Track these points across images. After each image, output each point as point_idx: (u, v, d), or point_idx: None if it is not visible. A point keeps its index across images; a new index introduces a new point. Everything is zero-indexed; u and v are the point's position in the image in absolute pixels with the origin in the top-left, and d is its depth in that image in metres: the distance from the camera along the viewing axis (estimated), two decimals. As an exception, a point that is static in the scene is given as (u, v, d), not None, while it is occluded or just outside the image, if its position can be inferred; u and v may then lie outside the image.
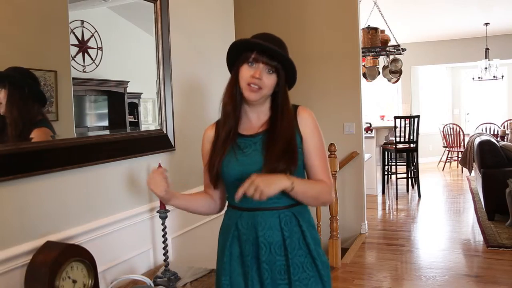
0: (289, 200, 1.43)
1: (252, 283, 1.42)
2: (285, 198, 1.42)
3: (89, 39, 1.75)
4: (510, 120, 9.10)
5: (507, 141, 6.72)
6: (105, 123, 1.91)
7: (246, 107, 1.47)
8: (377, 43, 5.59)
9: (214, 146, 1.49)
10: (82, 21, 1.72)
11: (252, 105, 1.46)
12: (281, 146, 1.39)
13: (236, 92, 1.44)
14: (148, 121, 2.16)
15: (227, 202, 1.56)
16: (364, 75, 5.93)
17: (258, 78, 1.38)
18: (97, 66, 1.79)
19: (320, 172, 1.47)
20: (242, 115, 1.48)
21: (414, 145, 6.24)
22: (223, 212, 1.60)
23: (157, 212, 1.91)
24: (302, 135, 1.45)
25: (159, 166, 1.88)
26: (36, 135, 1.52)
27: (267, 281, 1.40)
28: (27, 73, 1.49)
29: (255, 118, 1.48)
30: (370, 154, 6.09)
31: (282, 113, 1.44)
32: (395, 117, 6.32)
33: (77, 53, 1.69)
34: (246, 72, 1.40)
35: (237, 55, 1.44)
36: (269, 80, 1.40)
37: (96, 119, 1.87)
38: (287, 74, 1.44)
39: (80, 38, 1.71)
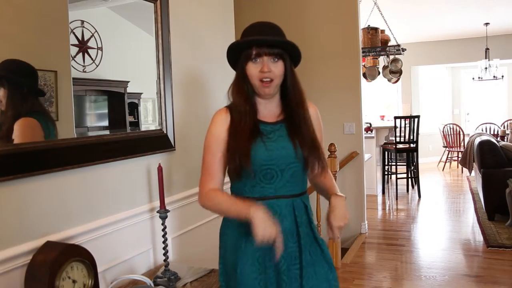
0: (300, 187, 1.48)
1: (269, 270, 1.43)
2: (299, 186, 1.47)
3: (89, 39, 1.75)
4: (510, 120, 9.10)
5: (507, 141, 6.72)
6: (105, 123, 1.91)
7: (259, 99, 1.48)
8: (377, 43, 5.58)
9: (234, 134, 1.43)
10: (82, 21, 1.72)
11: (265, 98, 1.47)
12: (309, 134, 1.45)
13: (248, 89, 1.45)
14: (148, 121, 2.16)
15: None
16: (364, 75, 5.93)
17: (268, 71, 1.39)
18: (97, 66, 1.79)
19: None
20: (257, 107, 1.49)
21: (414, 145, 6.24)
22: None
23: (157, 212, 1.91)
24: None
25: (159, 166, 1.89)
26: (20, 124, 1.47)
27: (283, 267, 1.42)
28: (24, 66, 1.47)
29: (270, 108, 1.50)
30: (370, 154, 6.09)
31: (296, 96, 1.47)
32: (395, 117, 6.32)
33: (77, 53, 1.69)
34: (253, 69, 1.41)
35: (237, 55, 1.45)
36: (277, 69, 1.41)
37: (96, 119, 1.87)
38: (290, 55, 1.45)
39: (80, 38, 1.71)
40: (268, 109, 1.49)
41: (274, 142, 1.43)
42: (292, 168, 1.43)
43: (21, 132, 1.48)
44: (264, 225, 1.29)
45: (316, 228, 1.55)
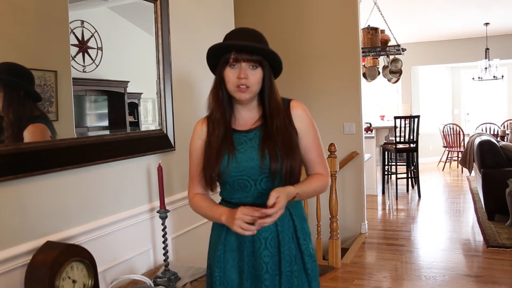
0: None
1: (246, 276, 1.44)
2: None
3: (89, 39, 1.75)
4: (510, 120, 9.09)
5: (507, 141, 6.72)
6: (105, 123, 1.91)
7: (238, 106, 1.46)
8: (377, 43, 5.58)
9: (207, 147, 1.46)
10: (82, 21, 1.72)
11: (243, 103, 1.44)
12: (282, 144, 1.39)
13: (223, 96, 1.42)
14: (148, 121, 2.16)
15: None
16: (364, 75, 5.93)
17: (244, 77, 1.35)
18: (97, 66, 1.79)
19: (317, 165, 1.51)
20: (234, 113, 1.47)
21: (414, 145, 6.24)
22: None
23: (157, 212, 1.91)
24: (297, 131, 1.46)
25: (159, 166, 1.89)
26: (31, 131, 1.49)
27: (266, 275, 1.42)
28: (21, 70, 1.46)
29: (248, 114, 1.47)
30: (370, 154, 6.09)
31: (271, 107, 1.42)
32: (395, 117, 6.32)
33: (77, 53, 1.69)
34: (230, 75, 1.37)
35: (216, 59, 1.41)
36: (255, 77, 1.37)
37: (96, 119, 1.87)
38: (270, 64, 1.42)
39: (80, 38, 1.71)
40: (245, 116, 1.47)
41: (243, 154, 1.41)
42: (265, 178, 1.41)
43: (35, 138, 1.50)
44: (240, 229, 1.31)
45: (306, 235, 1.50)
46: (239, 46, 1.35)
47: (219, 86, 1.42)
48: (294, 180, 1.43)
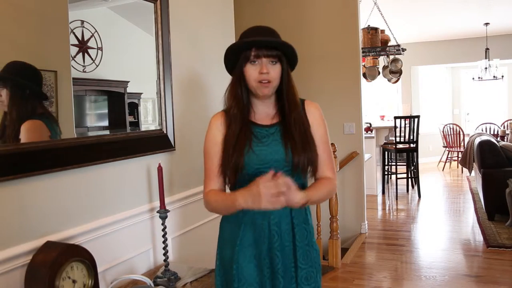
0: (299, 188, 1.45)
1: (264, 271, 1.44)
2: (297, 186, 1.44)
3: (89, 39, 1.75)
4: (510, 120, 9.09)
5: (507, 141, 6.72)
6: (105, 123, 1.91)
7: (256, 101, 1.49)
8: (377, 43, 5.58)
9: (228, 140, 1.46)
10: (82, 21, 1.72)
11: (263, 98, 1.47)
12: (300, 137, 1.44)
13: (242, 93, 1.46)
14: (148, 121, 2.16)
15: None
16: (364, 75, 5.93)
17: (266, 72, 1.40)
18: (97, 66, 1.79)
19: (325, 165, 1.52)
20: (252, 109, 1.50)
21: (414, 145, 6.24)
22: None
23: (157, 212, 1.91)
24: (310, 126, 1.51)
25: (159, 166, 1.89)
26: (27, 126, 1.50)
27: (278, 266, 1.44)
28: (27, 68, 1.47)
29: (266, 110, 1.51)
30: (370, 154, 6.09)
31: (289, 99, 1.47)
32: (395, 117, 6.32)
33: (77, 53, 1.69)
34: (252, 71, 1.42)
35: (235, 57, 1.45)
36: (275, 71, 1.42)
37: (96, 119, 1.87)
38: (287, 58, 1.46)
39: (80, 38, 1.71)
40: (264, 111, 1.50)
41: (267, 146, 1.44)
42: (288, 171, 1.43)
43: (28, 134, 1.49)
44: (271, 205, 1.32)
45: (312, 229, 1.55)
46: (260, 42, 1.39)
47: (238, 83, 1.45)
48: (313, 171, 1.48)
